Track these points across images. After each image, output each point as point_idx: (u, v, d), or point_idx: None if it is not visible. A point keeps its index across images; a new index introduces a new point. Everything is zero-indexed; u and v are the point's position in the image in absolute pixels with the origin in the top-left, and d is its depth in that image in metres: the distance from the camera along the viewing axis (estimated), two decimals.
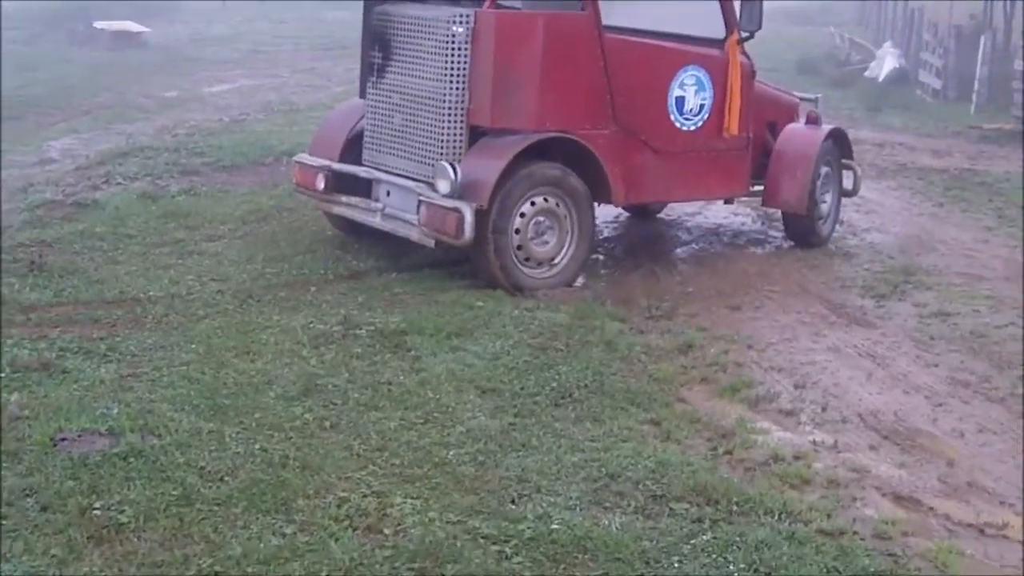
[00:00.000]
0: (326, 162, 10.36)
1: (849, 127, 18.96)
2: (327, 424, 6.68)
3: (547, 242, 9.64)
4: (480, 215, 9.17)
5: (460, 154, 9.47)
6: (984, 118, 20.86)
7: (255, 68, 25.79)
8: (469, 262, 9.76)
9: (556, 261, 9.69)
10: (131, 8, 32.18)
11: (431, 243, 9.57)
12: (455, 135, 9.53)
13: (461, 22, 9.43)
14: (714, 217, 12.25)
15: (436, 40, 9.58)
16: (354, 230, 10.61)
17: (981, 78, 22.03)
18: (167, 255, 10.14)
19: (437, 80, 9.57)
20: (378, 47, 10.10)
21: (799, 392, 7.67)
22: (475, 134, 9.58)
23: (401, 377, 7.41)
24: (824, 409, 7.41)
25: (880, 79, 25.89)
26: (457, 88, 9.48)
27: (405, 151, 9.89)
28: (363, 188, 10.22)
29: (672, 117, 10.31)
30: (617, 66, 9.91)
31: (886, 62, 26.56)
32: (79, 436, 6.34)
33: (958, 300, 9.75)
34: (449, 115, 9.51)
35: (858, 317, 9.29)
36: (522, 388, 7.32)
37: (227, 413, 6.75)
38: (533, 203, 9.49)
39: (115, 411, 6.66)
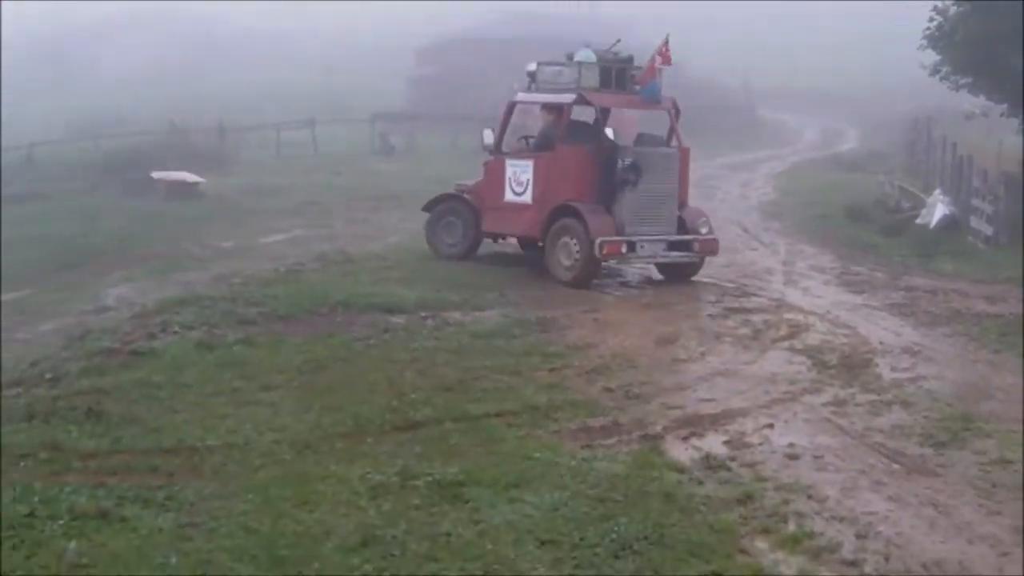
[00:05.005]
0: (621, 237, 16.87)
1: (901, 274, 19.03)
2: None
3: None
4: None
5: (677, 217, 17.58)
6: None
7: (309, 218, 25.94)
8: (531, 411, 10.19)
9: None
10: (187, 159, 32.72)
11: (701, 260, 17.75)
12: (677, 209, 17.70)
13: (676, 154, 17.81)
14: (769, 366, 12.20)
15: (671, 164, 17.61)
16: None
17: None
18: (224, 404, 10.19)
19: (673, 184, 17.52)
20: (632, 171, 16.93)
21: (861, 542, 7.56)
22: None
23: (460, 528, 7.38)
24: (887, 559, 7.30)
25: (931, 226, 25.84)
26: (678, 187, 17.65)
27: (654, 222, 17.26)
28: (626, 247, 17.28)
29: None
30: None
31: (937, 209, 26.49)
32: None
33: (1019, 447, 9.61)
34: (677, 201, 17.66)
35: (918, 465, 9.18)
36: (582, 539, 7.27)
37: (285, 564, 6.75)
38: None
39: (174, 560, 6.70)
